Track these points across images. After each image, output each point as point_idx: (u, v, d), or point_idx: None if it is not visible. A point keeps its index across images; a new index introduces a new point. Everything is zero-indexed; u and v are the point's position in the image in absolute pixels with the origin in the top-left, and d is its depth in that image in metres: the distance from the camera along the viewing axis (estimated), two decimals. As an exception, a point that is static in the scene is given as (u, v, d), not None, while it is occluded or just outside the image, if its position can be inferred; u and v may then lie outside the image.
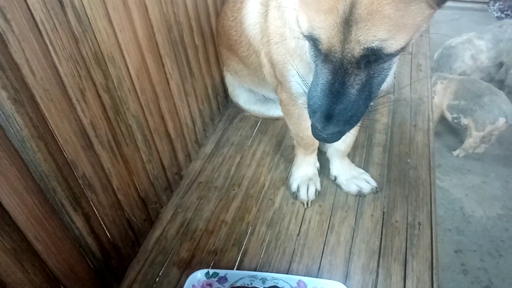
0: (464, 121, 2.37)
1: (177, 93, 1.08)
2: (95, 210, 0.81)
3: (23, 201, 0.64)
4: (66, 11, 0.69)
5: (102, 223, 0.84)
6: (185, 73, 1.11)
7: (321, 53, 0.59)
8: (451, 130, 2.71)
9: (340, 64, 0.57)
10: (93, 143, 0.79)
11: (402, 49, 0.57)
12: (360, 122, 1.04)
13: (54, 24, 0.66)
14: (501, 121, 2.27)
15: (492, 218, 2.19)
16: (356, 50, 0.55)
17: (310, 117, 0.63)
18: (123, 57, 0.85)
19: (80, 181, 0.76)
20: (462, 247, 2.06)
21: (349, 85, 0.58)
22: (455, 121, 2.40)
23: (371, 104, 1.33)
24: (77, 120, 0.74)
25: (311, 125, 0.63)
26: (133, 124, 0.90)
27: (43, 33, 0.66)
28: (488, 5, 3.94)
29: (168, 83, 1.03)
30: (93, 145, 0.79)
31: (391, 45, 0.54)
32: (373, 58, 0.56)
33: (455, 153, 2.52)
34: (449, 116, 2.44)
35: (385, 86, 0.85)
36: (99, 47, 0.78)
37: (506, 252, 2.03)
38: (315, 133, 0.62)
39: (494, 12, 3.86)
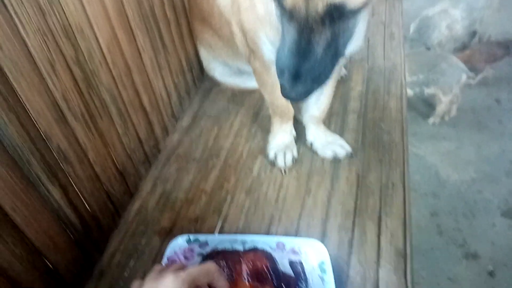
0: (429, 91, 2.46)
1: (151, 66, 1.08)
2: (72, 182, 0.82)
3: (-2, 173, 0.64)
4: (30, -18, 0.68)
5: (80, 195, 0.85)
6: (158, 47, 1.11)
7: (286, 12, 0.60)
8: (423, 100, 2.77)
9: (305, 22, 0.58)
10: (66, 116, 0.79)
11: (364, 5, 0.58)
12: (332, 87, 1.07)
13: (18, -5, 0.66)
14: (464, 77, 2.38)
15: (466, 182, 2.27)
16: (320, 6, 0.56)
17: (278, 78, 0.64)
18: (93, 30, 0.84)
19: (55, 154, 0.77)
20: (438, 210, 2.14)
21: (315, 43, 0.59)
22: (418, 95, 2.49)
23: (345, 72, 1.35)
24: (48, 93, 0.73)
25: (280, 86, 0.64)
26: (106, 97, 0.90)
27: (8, 6, 0.65)
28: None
29: (141, 56, 1.03)
30: (67, 118, 0.79)
31: (353, 0, 0.56)
32: (337, 14, 0.57)
33: (430, 121, 2.58)
34: (411, 92, 2.52)
35: (355, 49, 0.88)
36: (67, 20, 0.77)
37: (479, 212, 2.12)
38: (284, 93, 0.63)
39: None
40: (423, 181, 2.28)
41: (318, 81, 0.62)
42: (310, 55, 0.59)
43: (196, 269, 0.59)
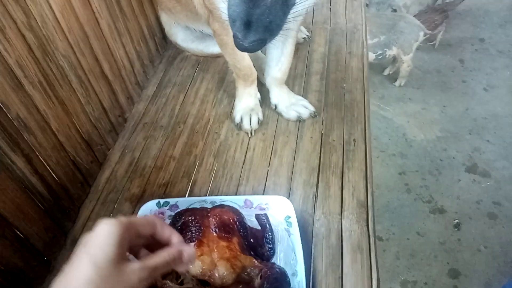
0: (390, 52, 2.52)
1: (109, 33, 1.06)
2: (35, 151, 0.81)
3: (-45, 142, 0.64)
4: None
5: (45, 164, 0.84)
6: (115, 12, 1.09)
7: None
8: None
9: None
10: (23, 83, 0.77)
11: None
12: (292, 47, 1.08)
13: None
14: (421, 34, 2.47)
15: (432, 141, 2.36)
16: None
17: (231, 28, 0.64)
18: (44, -7, 0.82)
19: (15, 122, 0.76)
20: (405, 169, 2.23)
21: None
22: (380, 57, 2.54)
23: (308, 34, 1.37)
24: (1, 60, 0.72)
25: (233, 36, 0.64)
26: (64, 64, 0.89)
27: None
28: None
29: (98, 22, 1.01)
30: (24, 86, 0.78)
31: None
32: None
33: (397, 83, 2.64)
34: (372, 56, 2.57)
35: (311, 3, 0.89)
36: (14, -18, 0.75)
37: (445, 169, 2.22)
38: (237, 43, 0.63)
39: None
40: (391, 142, 2.36)
41: (269, 29, 0.62)
42: (260, 1, 0.59)
43: (138, 218, 0.59)
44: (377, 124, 2.42)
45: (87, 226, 0.95)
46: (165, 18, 1.30)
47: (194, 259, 0.63)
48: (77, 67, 0.93)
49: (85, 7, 0.95)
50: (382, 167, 2.23)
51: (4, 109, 0.74)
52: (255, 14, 0.59)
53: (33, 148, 0.81)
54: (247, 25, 0.60)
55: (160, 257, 0.54)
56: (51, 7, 0.83)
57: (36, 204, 0.83)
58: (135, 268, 0.49)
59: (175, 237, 0.59)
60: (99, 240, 0.48)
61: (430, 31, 2.64)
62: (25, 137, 0.79)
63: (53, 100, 0.86)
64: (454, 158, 2.27)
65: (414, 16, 2.74)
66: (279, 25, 0.63)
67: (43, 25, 0.81)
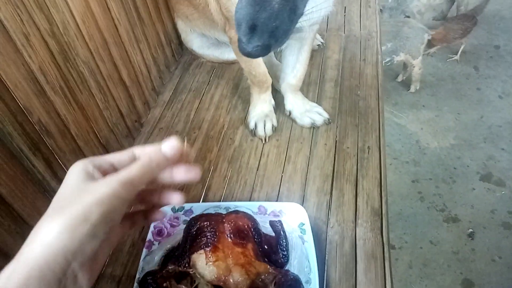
0: (398, 58, 2.51)
1: (128, 39, 1.08)
2: (55, 155, 0.83)
3: (-20, 146, 0.66)
4: (-2, -48, 0.67)
5: (64, 168, 0.86)
6: (134, 19, 1.11)
7: None
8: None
9: None
10: (45, 89, 0.79)
11: None
12: (307, 55, 1.08)
13: (-14, -35, 0.65)
14: (426, 36, 2.46)
15: (446, 148, 2.34)
16: None
17: (237, 32, 0.63)
18: (66, 1, 0.84)
19: (36, 127, 0.78)
20: (419, 177, 2.21)
21: None
22: (388, 64, 2.54)
23: (322, 41, 1.37)
24: (25, 66, 0.74)
25: (238, 41, 0.62)
26: (84, 70, 0.91)
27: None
28: None
29: (117, 29, 1.03)
30: (45, 91, 0.80)
31: None
32: None
33: (412, 89, 2.63)
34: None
35: (326, 13, 0.90)
36: (39, -8, 0.77)
37: (458, 177, 2.19)
38: (241, 47, 0.62)
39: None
40: (404, 149, 2.34)
41: (275, 35, 0.61)
42: (266, 6, 0.58)
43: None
44: (390, 131, 2.41)
45: (103, 229, 0.96)
46: (181, 25, 1.32)
47: (177, 152, 0.50)
48: (97, 73, 0.95)
49: (105, 14, 0.97)
50: (395, 174, 2.22)
51: (26, 114, 0.76)
52: (261, 18, 0.58)
53: (53, 152, 0.83)
54: (252, 29, 0.59)
55: (135, 165, 0.46)
56: (72, 15, 0.85)
57: (55, 207, 0.84)
58: (106, 180, 0.43)
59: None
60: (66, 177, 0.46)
61: (452, 41, 2.63)
62: (46, 141, 0.81)
63: (73, 105, 0.88)
64: (468, 166, 2.25)
65: (446, 23, 2.73)
66: (285, 31, 0.62)
67: (65, 32, 0.83)
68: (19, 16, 0.72)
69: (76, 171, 0.45)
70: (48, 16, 0.79)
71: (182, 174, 0.51)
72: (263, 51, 0.61)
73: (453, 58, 2.84)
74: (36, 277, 0.37)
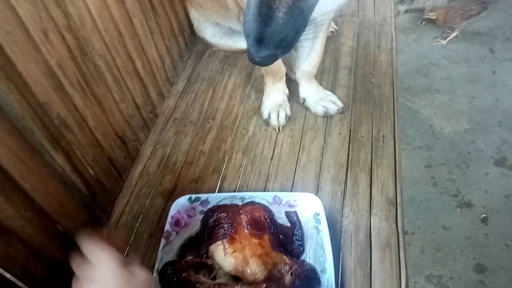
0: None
1: (142, 31, 1.08)
2: (74, 149, 0.85)
3: (3, 142, 0.67)
4: (14, -51, 0.68)
5: (83, 161, 0.88)
6: (148, 10, 1.11)
7: None
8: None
9: None
10: (63, 83, 0.81)
11: None
12: (323, 42, 1.08)
13: (4, -37, 0.66)
14: None
15: (459, 133, 2.31)
16: None
17: (246, 43, 0.65)
18: (82, -5, 0.85)
19: (55, 122, 0.79)
20: (432, 162, 2.19)
21: (275, 8, 0.60)
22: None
23: (336, 28, 1.36)
24: (44, 61, 0.75)
25: (247, 49, 0.65)
26: (101, 63, 0.91)
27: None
28: None
29: (131, 21, 1.03)
30: (64, 86, 0.81)
31: None
32: None
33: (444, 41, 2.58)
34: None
35: (339, 4, 0.89)
36: (55, -13, 0.78)
37: (472, 162, 2.17)
38: (250, 57, 0.64)
39: None
40: (418, 134, 2.32)
41: (281, 46, 0.63)
42: (272, 20, 0.60)
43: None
44: (403, 116, 2.38)
45: (121, 219, 0.99)
46: (194, 14, 1.32)
47: None
48: (112, 66, 0.96)
49: (119, 7, 0.97)
50: (408, 159, 2.20)
51: (46, 109, 0.77)
52: (267, 32, 0.60)
53: (72, 145, 0.85)
54: (259, 41, 0.61)
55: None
56: (88, 9, 0.86)
57: (75, 200, 0.87)
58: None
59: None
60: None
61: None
62: (65, 135, 0.82)
63: (90, 98, 0.89)
64: (482, 151, 2.22)
65: (450, 2, 2.66)
66: (290, 43, 0.64)
67: (81, 26, 0.84)
68: (37, 12, 0.73)
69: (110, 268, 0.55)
70: (65, 11, 0.79)
71: None
72: (270, 60, 0.64)
73: (439, 43, 2.78)
74: None
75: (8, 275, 0.70)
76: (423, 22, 2.89)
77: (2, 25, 0.66)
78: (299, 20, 0.63)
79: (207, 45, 1.42)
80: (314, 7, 0.65)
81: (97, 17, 0.89)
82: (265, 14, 0.60)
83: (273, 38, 0.61)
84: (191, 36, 1.43)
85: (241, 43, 1.33)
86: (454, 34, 2.72)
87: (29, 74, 0.72)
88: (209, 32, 1.33)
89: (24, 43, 0.70)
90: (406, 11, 2.78)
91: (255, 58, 0.63)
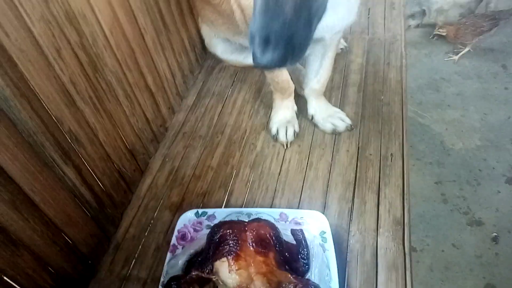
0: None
1: (153, 47, 1.10)
2: (85, 162, 0.87)
3: (15, 156, 0.69)
4: (32, -29, 0.70)
5: (93, 174, 0.90)
6: (159, 27, 1.13)
7: None
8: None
9: None
10: (75, 99, 0.82)
11: None
12: (331, 60, 1.08)
13: (20, -16, 0.68)
14: None
15: (471, 150, 2.28)
16: None
17: (250, 45, 0.61)
18: (95, 14, 0.87)
19: (67, 136, 0.81)
20: (442, 178, 2.17)
21: (283, 2, 0.57)
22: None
23: (345, 45, 1.36)
24: (56, 78, 0.77)
25: (252, 55, 0.62)
26: (112, 79, 0.93)
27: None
28: None
29: (143, 38, 1.06)
30: (76, 102, 0.83)
31: None
32: None
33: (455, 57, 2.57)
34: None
35: (348, 23, 0.90)
36: (69, 6, 0.80)
37: (484, 180, 2.14)
38: (255, 60, 0.61)
39: None
40: (428, 150, 2.30)
41: (290, 45, 0.59)
42: (278, 14, 0.57)
43: None
44: (414, 131, 2.37)
45: (129, 232, 1.00)
46: (206, 31, 1.34)
47: None
48: (124, 82, 0.98)
49: (131, 24, 0.99)
50: (418, 175, 2.18)
51: (57, 124, 0.79)
52: (274, 28, 0.57)
53: (83, 159, 0.86)
54: (266, 40, 0.58)
55: None
56: (101, 26, 0.88)
57: (84, 212, 0.88)
58: None
59: None
60: None
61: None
62: (76, 150, 0.84)
63: (101, 113, 0.91)
64: (494, 168, 2.19)
65: (461, 19, 2.66)
66: (302, 41, 0.61)
67: (94, 44, 0.86)
68: (51, 30, 0.75)
69: None
70: (78, 29, 0.81)
71: None
72: (279, 62, 0.60)
73: (451, 58, 2.77)
74: None
75: (16, 286, 0.72)
76: (435, 37, 2.88)
77: (16, 44, 0.68)
78: (308, 19, 0.60)
79: (217, 61, 1.44)
80: (322, 12, 0.63)
81: (109, 35, 0.91)
82: (272, 8, 0.57)
83: (282, 34, 0.57)
84: (202, 51, 1.45)
85: (251, 59, 1.33)
86: (466, 49, 2.71)
87: (42, 90, 0.74)
88: (219, 48, 1.35)
89: (37, 60, 0.72)
90: (417, 26, 2.78)
91: (261, 60, 0.60)
